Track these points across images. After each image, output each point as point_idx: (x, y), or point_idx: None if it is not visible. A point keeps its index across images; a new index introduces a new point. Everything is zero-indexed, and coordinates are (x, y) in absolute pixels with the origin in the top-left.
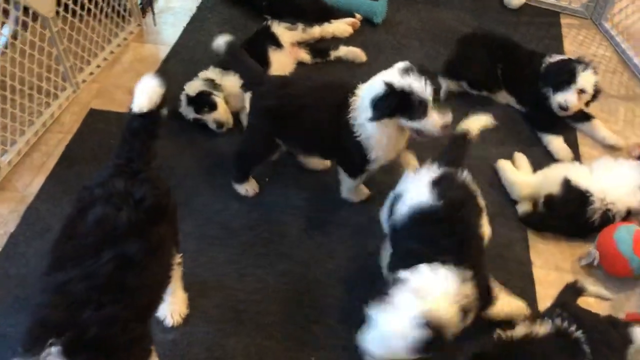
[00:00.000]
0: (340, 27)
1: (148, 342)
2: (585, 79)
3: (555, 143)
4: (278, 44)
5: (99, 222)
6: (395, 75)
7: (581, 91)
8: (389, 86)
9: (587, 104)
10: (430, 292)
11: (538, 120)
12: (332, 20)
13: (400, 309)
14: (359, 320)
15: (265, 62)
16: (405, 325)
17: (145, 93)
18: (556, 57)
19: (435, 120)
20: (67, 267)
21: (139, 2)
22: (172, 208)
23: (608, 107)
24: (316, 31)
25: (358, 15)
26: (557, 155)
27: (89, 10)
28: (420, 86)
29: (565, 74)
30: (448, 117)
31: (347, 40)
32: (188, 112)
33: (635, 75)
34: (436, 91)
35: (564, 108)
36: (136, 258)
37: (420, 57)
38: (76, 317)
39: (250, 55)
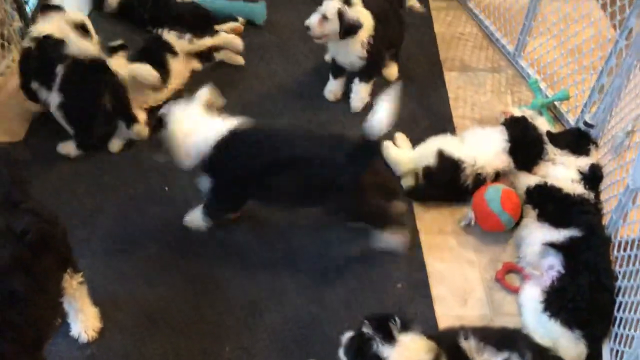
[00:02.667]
0: (229, 38)
1: None
2: (328, 5)
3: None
4: (174, 52)
5: None
6: None
7: (324, 17)
8: None
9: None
10: None
11: None
12: (217, 28)
13: None
14: (263, 305)
15: (165, 70)
16: None
17: None
18: None
19: None
20: None
21: (16, 29)
22: (61, 234)
23: (477, 80)
24: (207, 42)
25: (241, 20)
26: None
27: None
28: None
29: None
30: None
31: None
32: None
33: (499, 49)
34: None
35: (307, 28)
36: (21, 293)
37: (305, 52)
38: None
39: (149, 63)
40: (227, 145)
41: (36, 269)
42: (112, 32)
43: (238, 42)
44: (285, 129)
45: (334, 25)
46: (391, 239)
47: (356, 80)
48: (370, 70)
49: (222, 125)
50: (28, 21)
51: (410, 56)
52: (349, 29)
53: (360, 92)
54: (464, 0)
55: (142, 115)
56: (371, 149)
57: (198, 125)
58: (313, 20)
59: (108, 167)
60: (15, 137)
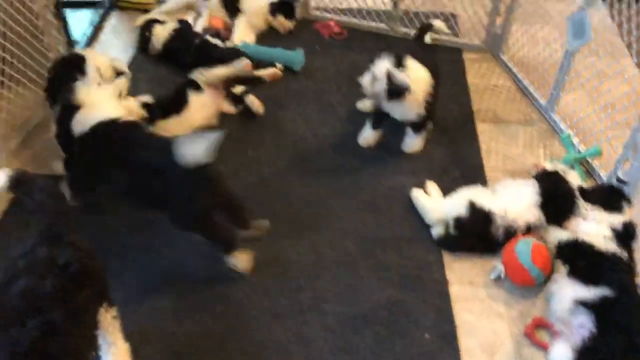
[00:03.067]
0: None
1: None
2: (379, 66)
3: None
4: (197, 87)
5: (24, 293)
6: None
7: (375, 77)
8: None
9: None
10: None
11: None
12: (257, 73)
13: None
14: (289, 349)
15: (181, 102)
16: None
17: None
18: None
19: None
20: None
21: None
22: (99, 268)
23: (509, 132)
24: (223, 72)
25: (279, 66)
26: None
27: (18, 80)
28: None
29: None
30: None
31: (270, 87)
32: None
33: (531, 102)
34: None
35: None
36: (60, 324)
37: (339, 99)
38: None
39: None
40: (93, 131)
41: (75, 301)
42: (155, 73)
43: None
44: (143, 135)
45: (383, 86)
46: (234, 261)
47: (410, 132)
48: (425, 123)
49: (106, 113)
50: None
51: (442, 105)
52: (395, 92)
53: (415, 143)
54: (497, 52)
55: None
56: (204, 171)
57: (97, 106)
58: (365, 79)
59: None
60: (59, 171)
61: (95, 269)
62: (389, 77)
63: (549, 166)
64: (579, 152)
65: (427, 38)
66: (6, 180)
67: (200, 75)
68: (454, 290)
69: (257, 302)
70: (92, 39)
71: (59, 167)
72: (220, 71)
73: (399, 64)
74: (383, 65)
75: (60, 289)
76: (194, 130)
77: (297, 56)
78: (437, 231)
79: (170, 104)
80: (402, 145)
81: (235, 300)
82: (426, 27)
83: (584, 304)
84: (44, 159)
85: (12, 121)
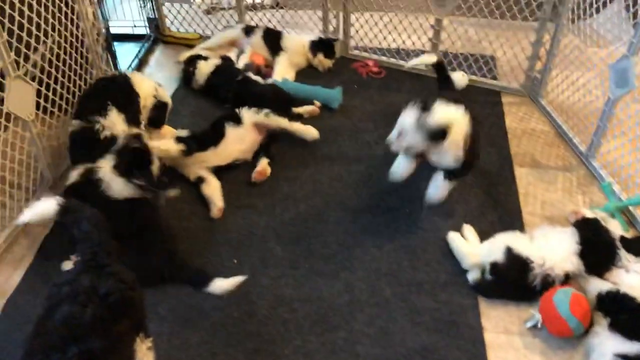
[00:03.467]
0: (302, 129)
1: None
2: (404, 120)
3: None
4: (237, 120)
5: (65, 320)
6: None
7: (402, 131)
8: None
9: None
10: None
11: None
12: (295, 110)
13: None
14: None
15: (218, 135)
16: None
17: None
18: None
19: None
20: None
21: None
22: (138, 298)
23: (548, 178)
24: (281, 122)
25: (317, 103)
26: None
27: (66, 110)
28: None
29: None
30: None
31: (307, 124)
32: None
33: (570, 148)
34: None
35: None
36: (98, 353)
37: (375, 138)
38: None
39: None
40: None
41: (114, 330)
42: (197, 106)
43: (311, 133)
44: None
45: (413, 138)
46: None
47: (439, 178)
48: (465, 171)
49: None
50: None
51: (480, 148)
52: (433, 134)
53: (441, 188)
54: (536, 96)
55: (209, 177)
56: None
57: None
58: (392, 136)
59: (182, 235)
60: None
61: (135, 299)
62: (422, 121)
63: (589, 214)
64: (620, 200)
65: (463, 80)
66: (55, 208)
67: (246, 111)
68: (489, 337)
69: (290, 341)
70: (137, 72)
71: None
72: (283, 122)
73: (425, 108)
74: (407, 118)
75: (100, 318)
76: (229, 162)
77: (335, 94)
78: (473, 276)
79: (208, 136)
80: (426, 195)
81: (268, 337)
82: (441, 70)
83: (626, 359)
84: None
85: (59, 149)
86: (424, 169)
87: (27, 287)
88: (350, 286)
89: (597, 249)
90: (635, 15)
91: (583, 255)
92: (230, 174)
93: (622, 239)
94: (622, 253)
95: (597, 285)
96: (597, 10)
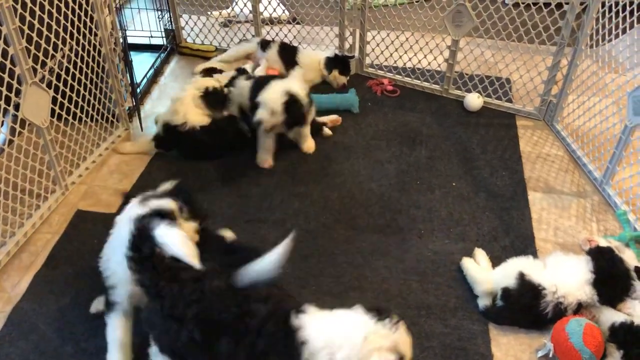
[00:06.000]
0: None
1: None
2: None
3: None
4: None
5: None
6: None
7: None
8: None
9: None
10: None
11: None
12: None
13: None
14: None
15: None
16: None
17: None
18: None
19: None
20: None
21: (126, 108)
22: None
23: (562, 204)
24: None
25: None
26: None
27: (80, 118)
28: None
29: None
30: None
31: (319, 141)
32: None
33: (585, 173)
34: None
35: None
36: None
37: (388, 157)
38: None
39: None
40: None
41: None
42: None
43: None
44: None
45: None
46: None
47: None
48: None
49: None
50: (138, 102)
51: (493, 172)
52: None
53: None
54: (551, 121)
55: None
56: None
57: None
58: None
59: None
60: (112, 210)
61: None
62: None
63: (603, 242)
64: (636, 229)
65: (478, 102)
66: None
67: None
68: None
69: None
70: (152, 82)
71: None
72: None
73: None
74: None
75: None
76: None
77: (350, 97)
78: (483, 302)
79: None
80: None
81: None
82: None
83: None
84: (97, 194)
85: (71, 157)
86: (434, 188)
87: (34, 296)
88: None
89: (611, 279)
90: None
91: (597, 284)
92: (242, 187)
93: (637, 269)
94: (637, 284)
95: (610, 316)
96: (617, 37)
